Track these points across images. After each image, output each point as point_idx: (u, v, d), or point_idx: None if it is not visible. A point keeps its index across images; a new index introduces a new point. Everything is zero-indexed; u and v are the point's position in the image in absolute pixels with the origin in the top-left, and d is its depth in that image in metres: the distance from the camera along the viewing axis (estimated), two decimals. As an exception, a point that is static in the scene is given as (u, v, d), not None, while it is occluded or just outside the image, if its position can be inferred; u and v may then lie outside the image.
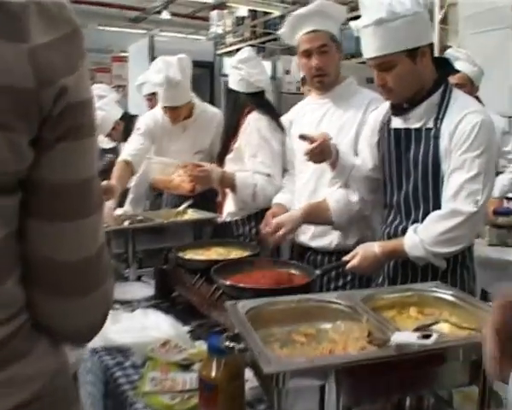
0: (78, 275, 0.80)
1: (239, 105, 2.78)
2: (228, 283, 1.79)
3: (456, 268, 1.85)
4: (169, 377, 1.50)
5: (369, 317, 1.27)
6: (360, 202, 2.13)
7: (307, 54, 2.30)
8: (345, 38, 7.07)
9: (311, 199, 2.30)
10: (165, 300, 2.19)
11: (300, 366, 1.00)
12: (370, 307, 1.36)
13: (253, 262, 2.00)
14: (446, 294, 1.44)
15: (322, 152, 2.04)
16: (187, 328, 1.88)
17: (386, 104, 2.01)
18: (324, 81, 2.33)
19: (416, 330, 1.28)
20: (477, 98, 2.68)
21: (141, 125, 3.25)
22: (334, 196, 2.14)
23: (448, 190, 1.75)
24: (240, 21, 8.09)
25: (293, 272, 1.91)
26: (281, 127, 2.70)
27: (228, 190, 2.85)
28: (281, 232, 2.05)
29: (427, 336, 1.00)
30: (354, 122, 2.29)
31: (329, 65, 2.29)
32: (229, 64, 2.87)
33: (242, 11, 8.16)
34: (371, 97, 2.32)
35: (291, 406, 1.00)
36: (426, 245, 1.75)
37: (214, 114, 3.32)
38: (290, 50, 7.00)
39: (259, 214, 2.75)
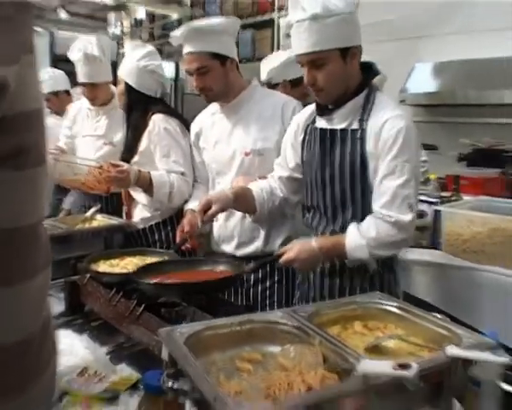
0: (17, 362, 0.50)
1: (147, 108, 2.53)
2: (153, 281, 1.62)
3: (383, 272, 1.75)
4: (91, 414, 1.24)
5: (321, 339, 1.09)
6: (282, 199, 1.97)
7: (189, 73, 2.14)
8: (241, 43, 6.98)
9: None
10: (77, 316, 1.89)
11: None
12: (315, 324, 1.19)
13: (177, 263, 1.84)
14: (390, 306, 1.30)
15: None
16: (105, 349, 1.61)
17: (310, 107, 1.89)
18: (210, 96, 2.17)
19: (369, 350, 1.15)
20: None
21: (66, 121, 3.07)
22: (260, 185, 1.96)
23: (382, 196, 1.66)
24: (138, 23, 7.72)
25: (221, 268, 1.76)
26: (187, 129, 2.54)
27: (135, 194, 2.60)
28: (212, 210, 1.79)
29: (405, 366, 0.84)
30: (274, 129, 2.12)
31: (211, 83, 2.11)
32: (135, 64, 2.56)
33: (140, 13, 7.80)
34: (282, 101, 2.17)
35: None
36: (370, 248, 1.64)
37: None
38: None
39: (175, 218, 2.54)
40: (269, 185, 1.96)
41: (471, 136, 4.01)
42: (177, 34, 2.09)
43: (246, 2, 6.47)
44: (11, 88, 0.46)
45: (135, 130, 2.58)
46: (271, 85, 2.96)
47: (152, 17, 7.57)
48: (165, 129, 2.47)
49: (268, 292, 2.13)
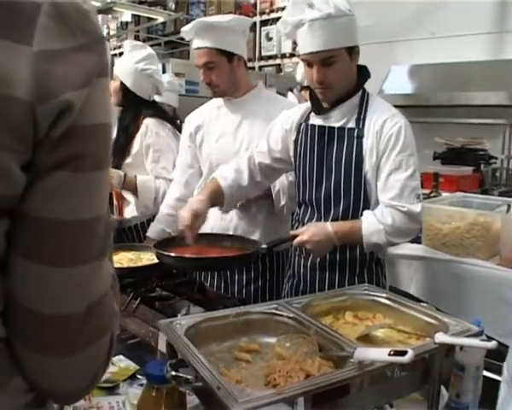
0: (59, 332, 0.59)
1: (139, 110, 2.51)
2: (174, 254, 1.65)
3: (371, 265, 1.77)
4: (94, 404, 1.23)
5: (316, 329, 1.10)
6: (249, 185, 1.94)
7: (198, 67, 2.11)
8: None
9: None
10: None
11: (272, 399, 0.81)
12: (309, 314, 1.20)
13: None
14: (379, 296, 1.32)
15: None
16: (102, 342, 1.59)
17: (303, 106, 1.90)
18: (217, 91, 2.14)
19: (360, 339, 1.16)
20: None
21: None
22: (228, 180, 1.90)
23: (390, 189, 1.68)
24: (124, 26, 7.66)
25: (236, 245, 1.81)
26: (178, 133, 2.54)
27: (126, 194, 2.59)
28: (198, 223, 1.76)
29: (401, 353, 0.85)
30: None
31: (218, 79, 2.08)
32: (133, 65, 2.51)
33: (126, 16, 7.73)
34: (290, 105, 2.14)
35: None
36: (387, 234, 1.67)
37: None
38: (182, 53, 6.72)
39: None
40: (235, 177, 1.91)
41: (445, 135, 4.07)
42: (187, 29, 2.07)
43: (229, 6, 6.45)
44: (77, 107, 0.54)
45: (125, 131, 2.54)
46: (304, 87, 3.12)
47: (137, 20, 7.51)
48: (157, 134, 2.46)
49: (260, 292, 2.12)
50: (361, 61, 1.80)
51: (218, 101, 2.22)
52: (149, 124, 2.47)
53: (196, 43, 2.07)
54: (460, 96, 4.11)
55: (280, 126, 1.91)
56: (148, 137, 2.46)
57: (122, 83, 2.48)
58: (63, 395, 0.66)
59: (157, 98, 2.77)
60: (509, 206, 2.16)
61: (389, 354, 0.86)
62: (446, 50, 4.32)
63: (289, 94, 3.98)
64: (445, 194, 2.64)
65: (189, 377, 0.93)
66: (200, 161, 2.26)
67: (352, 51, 1.70)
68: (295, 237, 1.70)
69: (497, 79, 3.92)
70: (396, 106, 4.33)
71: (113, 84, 2.51)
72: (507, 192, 3.55)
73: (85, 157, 0.57)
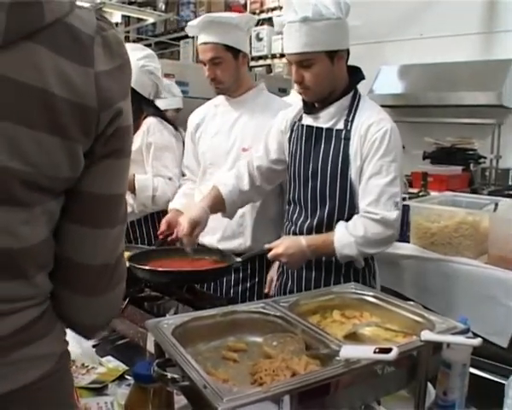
0: (98, 278, 0.81)
1: (139, 107, 2.50)
2: (148, 268, 1.64)
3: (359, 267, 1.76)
4: (81, 405, 1.22)
5: (303, 328, 1.10)
6: (250, 190, 1.94)
7: (203, 63, 2.11)
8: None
9: None
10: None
11: (258, 397, 0.81)
12: (296, 313, 1.20)
13: (169, 251, 1.87)
14: (366, 295, 1.32)
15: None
16: (91, 342, 1.59)
17: (297, 105, 1.90)
18: (220, 88, 2.14)
19: (347, 337, 1.16)
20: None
21: None
22: (227, 186, 1.91)
23: (369, 194, 1.67)
24: (114, 27, 7.63)
25: (212, 259, 1.83)
26: (177, 132, 2.56)
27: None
28: (197, 231, 1.79)
29: (386, 351, 0.86)
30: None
31: (223, 75, 2.08)
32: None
33: (116, 17, 7.71)
34: (280, 107, 2.11)
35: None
36: (358, 245, 1.65)
37: None
38: (172, 54, 6.70)
39: (156, 215, 2.53)
40: (236, 182, 1.92)
41: (434, 135, 4.09)
42: (193, 23, 2.08)
43: (219, 7, 6.45)
44: (124, 113, 0.75)
45: None
46: None
47: (127, 21, 7.49)
48: (159, 132, 2.47)
49: (248, 293, 2.12)
50: (350, 62, 1.79)
51: (218, 99, 2.22)
52: (152, 123, 2.48)
53: (203, 38, 2.07)
54: (449, 96, 4.13)
55: (276, 128, 1.92)
56: (151, 134, 2.46)
57: None
58: (94, 327, 0.89)
59: (160, 104, 2.78)
60: (496, 204, 2.19)
61: (374, 352, 0.87)
62: (435, 51, 4.34)
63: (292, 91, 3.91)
64: (434, 193, 2.66)
65: (176, 376, 0.93)
66: (199, 159, 2.28)
67: (335, 55, 1.68)
68: (270, 250, 1.70)
69: (486, 80, 3.94)
70: (386, 106, 4.38)
71: None
72: (496, 191, 3.58)
73: (122, 149, 0.78)
